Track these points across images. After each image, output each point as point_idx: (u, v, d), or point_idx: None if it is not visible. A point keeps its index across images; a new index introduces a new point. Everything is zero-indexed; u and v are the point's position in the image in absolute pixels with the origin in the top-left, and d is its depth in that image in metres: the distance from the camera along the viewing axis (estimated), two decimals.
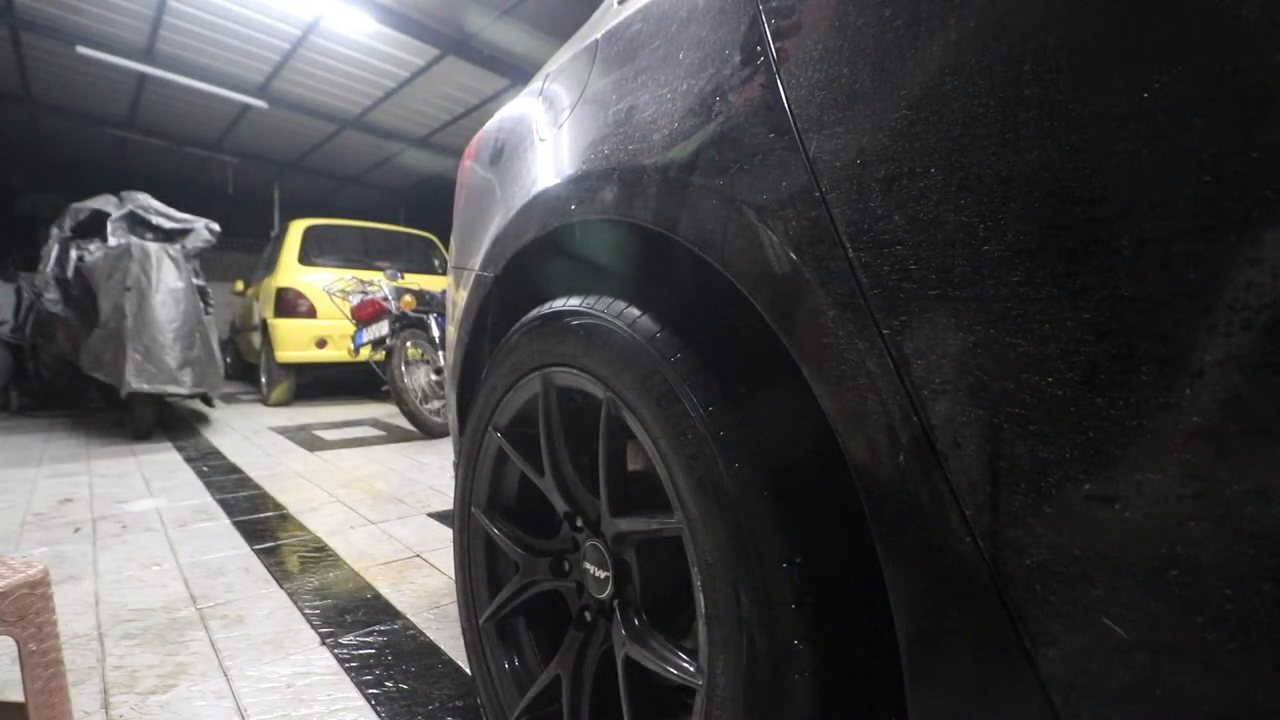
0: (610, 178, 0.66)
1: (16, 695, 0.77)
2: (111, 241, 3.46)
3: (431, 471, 2.85)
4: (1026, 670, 0.35)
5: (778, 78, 0.48)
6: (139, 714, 1.04)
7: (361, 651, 1.25)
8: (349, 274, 4.94)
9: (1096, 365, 0.31)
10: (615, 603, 0.70)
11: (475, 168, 1.13)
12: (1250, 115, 0.26)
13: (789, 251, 0.45)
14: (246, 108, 6.72)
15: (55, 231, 3.72)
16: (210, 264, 5.19)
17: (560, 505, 0.78)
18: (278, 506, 2.27)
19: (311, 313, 4.94)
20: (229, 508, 2.24)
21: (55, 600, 0.75)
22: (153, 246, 3.38)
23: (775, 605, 0.48)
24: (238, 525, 2.05)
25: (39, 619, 0.71)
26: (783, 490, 0.51)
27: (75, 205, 3.72)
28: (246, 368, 6.64)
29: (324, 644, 1.27)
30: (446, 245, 3.47)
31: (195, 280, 3.54)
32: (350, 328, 4.26)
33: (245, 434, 3.76)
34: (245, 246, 9.70)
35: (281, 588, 1.55)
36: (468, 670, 1.07)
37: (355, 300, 4.27)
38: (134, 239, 3.43)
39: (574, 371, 0.71)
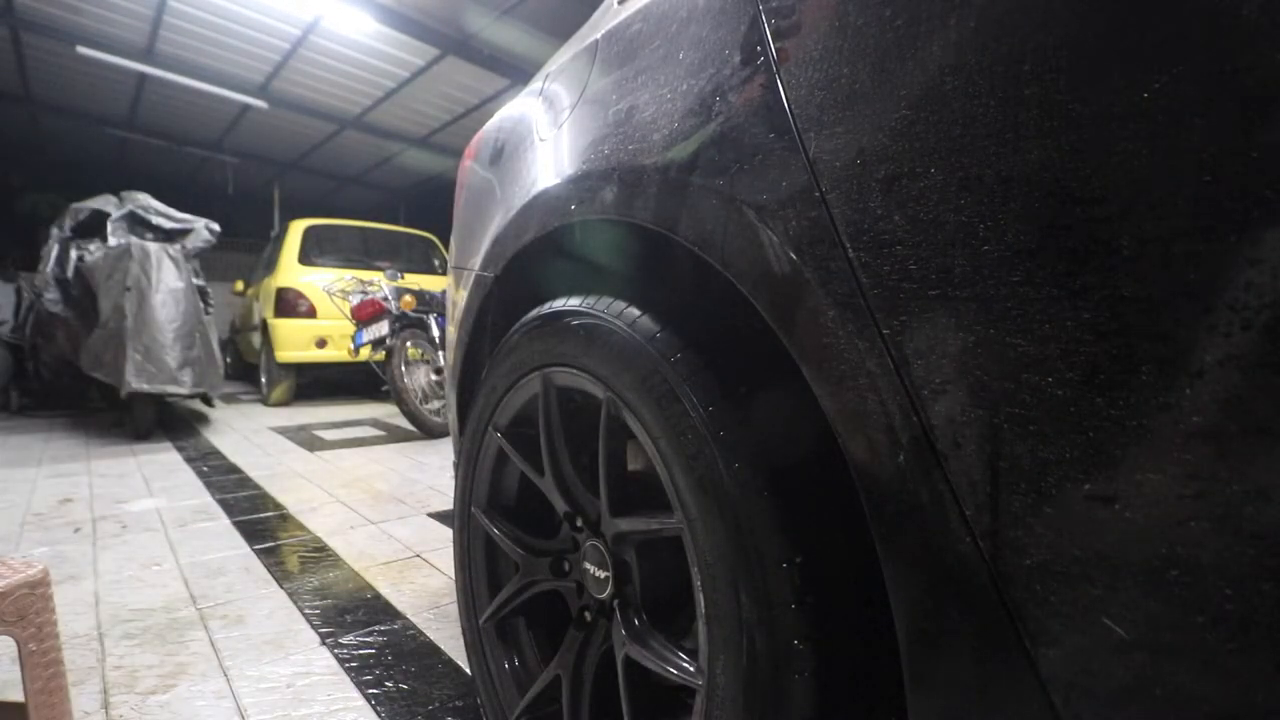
0: (610, 178, 0.66)
1: (16, 695, 0.77)
2: (111, 241, 3.46)
3: (431, 471, 2.85)
4: (1026, 670, 0.35)
5: (778, 78, 0.48)
6: (139, 714, 1.04)
7: (361, 651, 1.25)
8: (349, 274, 4.94)
9: (1096, 365, 0.31)
10: (615, 603, 0.70)
11: (475, 168, 1.13)
12: (1250, 115, 0.26)
13: (789, 251, 0.45)
14: (246, 108, 6.72)
15: (55, 231, 3.72)
16: (210, 264, 5.19)
17: (560, 505, 0.78)
18: (278, 506, 2.27)
19: (311, 313, 4.94)
20: (229, 508, 2.24)
21: (55, 600, 0.75)
22: (153, 246, 3.38)
23: (775, 605, 0.48)
24: (238, 525, 2.05)
25: (39, 619, 0.71)
26: (783, 490, 0.51)
27: (75, 205, 3.72)
28: (246, 368, 6.64)
29: (324, 644, 1.27)
30: (446, 245, 3.47)
31: (195, 280, 3.54)
32: (350, 328, 4.26)
33: (245, 434, 3.76)
34: (245, 246, 9.69)
35: (281, 588, 1.55)
36: (468, 670, 1.07)
37: (355, 300, 4.27)
38: (134, 239, 3.43)
39: (574, 371, 0.71)
